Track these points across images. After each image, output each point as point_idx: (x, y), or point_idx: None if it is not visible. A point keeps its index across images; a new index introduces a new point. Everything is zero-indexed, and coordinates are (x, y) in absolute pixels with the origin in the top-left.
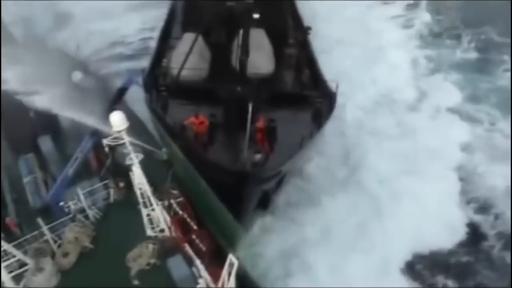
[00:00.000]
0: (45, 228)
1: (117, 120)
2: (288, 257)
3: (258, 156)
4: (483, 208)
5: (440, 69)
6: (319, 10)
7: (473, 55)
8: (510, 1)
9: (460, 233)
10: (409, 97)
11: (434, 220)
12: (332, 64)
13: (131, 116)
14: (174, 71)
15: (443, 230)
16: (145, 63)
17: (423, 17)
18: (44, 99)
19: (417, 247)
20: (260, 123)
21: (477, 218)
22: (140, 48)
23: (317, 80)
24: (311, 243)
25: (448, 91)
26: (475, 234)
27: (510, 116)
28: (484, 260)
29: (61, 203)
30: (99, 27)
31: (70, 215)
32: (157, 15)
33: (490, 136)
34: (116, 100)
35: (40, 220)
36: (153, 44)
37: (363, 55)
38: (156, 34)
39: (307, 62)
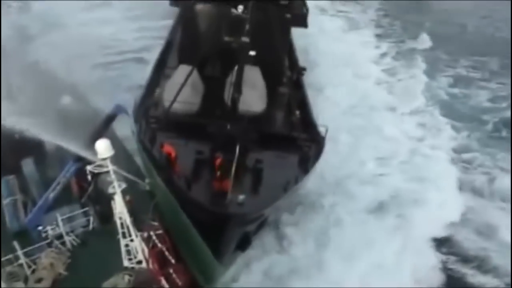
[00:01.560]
0: (20, 252)
1: (103, 147)
2: None
3: (241, 198)
4: None
5: None
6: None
7: None
8: (510, 1)
9: None
10: None
11: None
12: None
13: (116, 144)
14: (166, 103)
15: None
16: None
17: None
18: (30, 124)
19: None
20: (218, 161)
21: None
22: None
23: (307, 122)
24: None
25: None
26: None
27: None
28: None
29: (39, 228)
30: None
31: (47, 241)
32: None
33: None
34: (103, 127)
35: (16, 243)
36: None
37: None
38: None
39: (299, 103)
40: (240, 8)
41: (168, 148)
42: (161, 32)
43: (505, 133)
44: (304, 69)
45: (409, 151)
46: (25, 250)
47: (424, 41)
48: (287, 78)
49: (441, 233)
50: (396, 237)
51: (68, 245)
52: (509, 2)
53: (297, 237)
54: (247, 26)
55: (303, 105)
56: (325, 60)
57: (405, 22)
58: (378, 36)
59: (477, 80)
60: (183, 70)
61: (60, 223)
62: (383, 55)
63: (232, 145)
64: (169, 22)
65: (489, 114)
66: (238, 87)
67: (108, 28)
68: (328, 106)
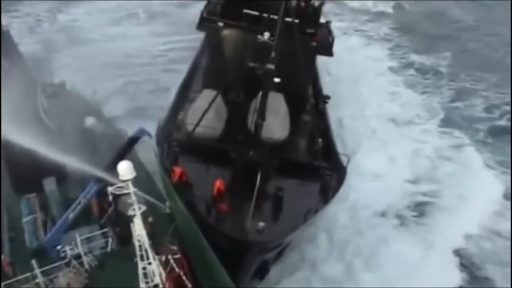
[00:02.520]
0: (38, 271)
1: (125, 169)
2: None
3: (261, 225)
4: None
5: None
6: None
7: None
8: (510, 1)
9: None
10: None
11: None
12: None
13: (138, 166)
14: (189, 127)
15: None
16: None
17: None
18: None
19: None
20: (218, 184)
21: None
22: None
23: (329, 151)
24: None
25: None
26: None
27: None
28: None
29: (58, 247)
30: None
31: (66, 260)
32: None
33: None
34: (126, 149)
35: (34, 262)
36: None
37: None
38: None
39: (322, 131)
40: (266, 35)
41: (178, 170)
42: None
43: None
44: (328, 97)
45: None
46: (43, 269)
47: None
48: (310, 106)
49: None
50: None
51: (86, 265)
52: (509, 2)
53: None
54: (273, 53)
55: (326, 133)
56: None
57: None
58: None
59: None
60: (207, 94)
61: (79, 243)
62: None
63: (253, 172)
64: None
65: None
66: (261, 113)
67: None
68: None
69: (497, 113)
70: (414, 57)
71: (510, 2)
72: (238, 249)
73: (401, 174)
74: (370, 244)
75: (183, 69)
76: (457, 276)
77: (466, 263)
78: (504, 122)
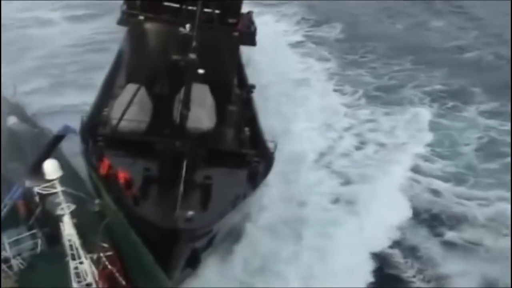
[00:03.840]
0: None
1: (50, 168)
2: None
3: (190, 213)
4: None
5: None
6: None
7: None
8: (510, 1)
9: None
10: None
11: None
12: None
13: (65, 165)
14: (114, 122)
15: None
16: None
17: None
18: None
19: None
20: (122, 175)
21: None
22: None
23: (256, 139)
24: None
25: None
26: None
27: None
28: None
29: None
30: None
31: None
32: None
33: None
34: (51, 148)
35: None
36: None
37: None
38: None
39: (248, 120)
40: (188, 26)
41: (106, 162)
42: None
43: None
44: (253, 86)
45: None
46: None
47: None
48: (236, 96)
49: None
50: None
51: (15, 268)
52: (509, 2)
53: None
54: (193, 43)
55: (253, 122)
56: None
57: None
58: None
59: None
60: (131, 89)
61: (7, 247)
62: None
63: (180, 162)
64: None
65: None
66: (186, 104)
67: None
68: None
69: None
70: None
71: (510, 2)
72: (168, 239)
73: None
74: None
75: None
76: None
77: None
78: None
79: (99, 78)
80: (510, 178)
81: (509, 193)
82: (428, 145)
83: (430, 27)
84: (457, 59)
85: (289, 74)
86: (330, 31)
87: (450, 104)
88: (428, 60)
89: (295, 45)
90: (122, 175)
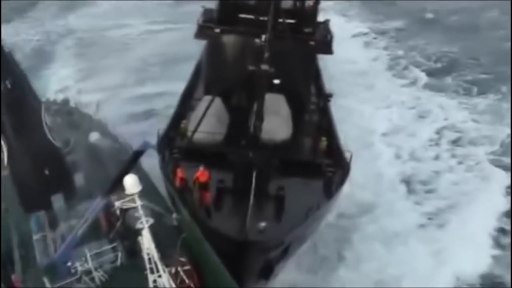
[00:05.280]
0: None
1: (130, 183)
2: None
3: (262, 225)
4: None
5: None
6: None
7: None
8: (510, 1)
9: None
10: None
11: None
12: None
13: (145, 179)
14: (191, 134)
15: None
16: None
17: None
18: None
19: None
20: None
21: None
22: None
23: (333, 148)
24: None
25: None
26: None
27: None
28: None
29: (68, 263)
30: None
31: (76, 276)
32: None
33: None
34: (131, 163)
35: (45, 280)
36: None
37: None
38: None
39: (325, 129)
40: (264, 37)
41: (180, 172)
42: None
43: None
44: (330, 95)
45: None
46: (54, 286)
47: None
48: (313, 105)
49: None
50: None
51: (97, 280)
52: (509, 2)
53: None
54: (266, 54)
55: (330, 131)
56: None
57: None
58: None
59: None
60: (209, 100)
61: (89, 259)
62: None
63: (253, 173)
64: None
65: None
66: (259, 115)
67: None
68: None
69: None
70: None
71: (510, 2)
72: (240, 251)
73: None
74: None
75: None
76: None
77: None
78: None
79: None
80: None
81: None
82: None
83: None
84: None
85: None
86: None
87: None
88: None
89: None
90: (202, 175)
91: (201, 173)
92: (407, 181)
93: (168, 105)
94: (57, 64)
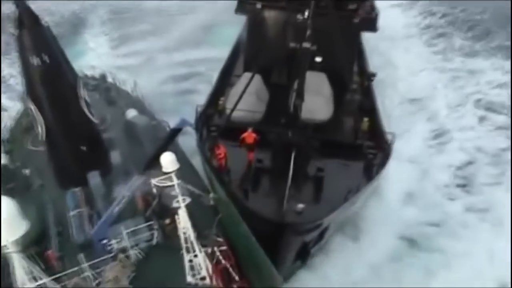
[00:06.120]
0: (86, 265)
1: (168, 161)
2: None
3: (300, 206)
4: None
5: None
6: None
7: None
8: (510, 1)
9: None
10: None
11: None
12: None
13: (182, 158)
14: (229, 111)
15: None
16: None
17: None
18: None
19: None
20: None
21: None
22: None
23: (375, 130)
24: None
25: None
26: None
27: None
28: None
29: (104, 241)
30: None
31: (112, 254)
32: None
33: None
34: (168, 141)
35: (81, 256)
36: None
37: None
38: None
39: (367, 110)
40: (306, 13)
41: (218, 153)
42: None
43: None
44: (374, 74)
45: None
46: (90, 263)
47: None
48: (355, 84)
49: None
50: None
51: (132, 258)
52: (509, 2)
53: None
54: (308, 31)
55: (372, 112)
56: None
57: None
58: None
59: None
60: (248, 78)
61: (125, 237)
62: None
63: (291, 153)
64: None
65: None
66: (300, 94)
67: None
68: None
69: None
70: None
71: (510, 2)
72: (277, 233)
73: None
74: None
75: None
76: None
77: None
78: None
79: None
80: None
81: None
82: None
83: None
84: None
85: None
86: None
87: None
88: None
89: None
90: (248, 136)
91: (248, 135)
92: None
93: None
94: (93, 30)
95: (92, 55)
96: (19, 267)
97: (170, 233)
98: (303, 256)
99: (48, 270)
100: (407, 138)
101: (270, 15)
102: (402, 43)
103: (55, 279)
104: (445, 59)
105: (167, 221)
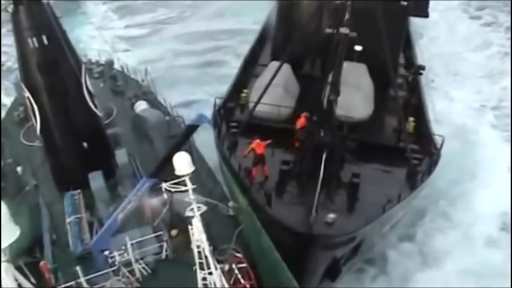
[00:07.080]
0: (83, 279)
1: (182, 162)
2: None
3: (330, 217)
4: None
5: None
6: None
7: None
8: (510, 1)
9: None
10: None
11: None
12: None
13: (198, 159)
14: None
15: None
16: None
17: None
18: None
19: None
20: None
21: None
22: None
23: (421, 131)
24: None
25: None
26: None
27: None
28: None
29: (106, 252)
30: None
31: (114, 267)
32: None
33: None
34: (183, 139)
35: (78, 269)
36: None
37: None
38: None
39: (413, 108)
40: None
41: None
42: None
43: None
44: (422, 67)
45: None
46: (88, 277)
47: None
48: (401, 78)
49: None
50: None
51: (137, 274)
52: (509, 2)
53: None
54: (347, 15)
55: (419, 110)
56: None
57: None
58: None
59: None
60: (275, 67)
61: (129, 249)
62: None
63: (322, 156)
64: None
65: None
66: (335, 87)
67: None
68: None
69: None
70: None
71: (510, 2)
72: (303, 246)
73: None
74: None
75: None
76: None
77: None
78: None
79: None
80: None
81: None
82: None
83: None
84: None
85: None
86: None
87: None
88: None
89: None
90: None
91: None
92: None
93: None
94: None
95: (91, 27)
96: (7, 279)
97: (178, 247)
98: (333, 274)
99: (40, 283)
100: None
101: None
102: None
103: None
104: None
105: (173, 232)
